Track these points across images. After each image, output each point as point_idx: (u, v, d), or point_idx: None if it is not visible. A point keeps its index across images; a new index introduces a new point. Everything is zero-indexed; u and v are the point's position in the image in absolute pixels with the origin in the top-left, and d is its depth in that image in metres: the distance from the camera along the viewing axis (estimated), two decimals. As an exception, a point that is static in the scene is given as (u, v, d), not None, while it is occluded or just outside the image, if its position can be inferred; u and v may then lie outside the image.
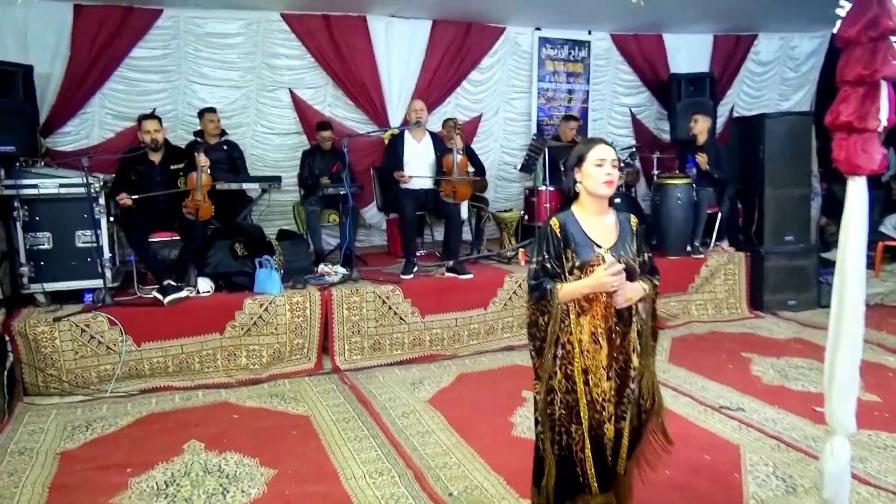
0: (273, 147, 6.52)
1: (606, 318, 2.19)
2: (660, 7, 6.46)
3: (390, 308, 4.99)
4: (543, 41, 7.24)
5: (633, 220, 2.30)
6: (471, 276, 5.37)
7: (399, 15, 6.44)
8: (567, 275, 2.19)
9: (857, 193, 2.16)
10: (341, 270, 5.33)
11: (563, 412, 2.21)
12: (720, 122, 7.61)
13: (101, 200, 4.63)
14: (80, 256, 4.63)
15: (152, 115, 4.93)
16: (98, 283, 4.57)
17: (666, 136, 7.68)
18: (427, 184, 5.51)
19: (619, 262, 2.13)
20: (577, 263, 2.18)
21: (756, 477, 3.10)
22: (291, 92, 6.38)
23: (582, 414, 2.18)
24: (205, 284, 4.84)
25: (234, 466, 3.28)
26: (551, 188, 6.11)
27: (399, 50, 6.58)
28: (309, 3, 5.98)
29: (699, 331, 5.70)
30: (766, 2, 6.36)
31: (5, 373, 4.06)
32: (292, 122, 6.49)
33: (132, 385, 4.38)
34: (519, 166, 6.61)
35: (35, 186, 4.51)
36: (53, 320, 4.24)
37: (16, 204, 4.46)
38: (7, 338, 4.18)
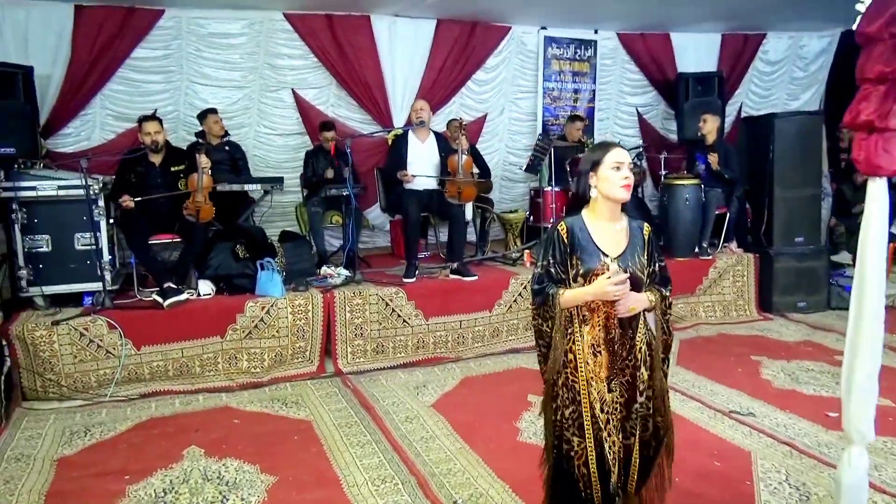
0: (275, 148, 6.47)
1: (608, 329, 2.13)
2: (667, 6, 6.40)
3: (393, 310, 4.93)
4: (549, 41, 7.16)
5: (647, 228, 2.23)
6: (475, 277, 5.30)
7: (403, 14, 6.37)
8: (571, 281, 2.14)
9: (877, 195, 2.07)
10: (344, 272, 5.27)
11: (567, 423, 2.14)
12: (728, 121, 7.53)
13: (101, 202, 4.58)
14: (80, 259, 4.59)
15: (153, 117, 4.90)
16: (97, 285, 4.53)
17: (673, 136, 7.60)
18: (431, 184, 5.45)
19: (625, 272, 2.08)
20: (581, 271, 2.12)
21: (769, 485, 3.03)
22: (294, 92, 6.32)
23: (586, 426, 2.12)
24: (206, 287, 4.79)
25: (233, 473, 3.22)
26: (557, 189, 6.04)
27: (403, 49, 6.51)
28: (312, 3, 5.92)
29: (707, 333, 5.63)
30: (775, 1, 6.28)
31: (3, 377, 4.00)
32: (295, 122, 6.43)
33: (132, 389, 4.33)
34: (524, 167, 6.54)
35: (33, 188, 4.47)
36: (52, 324, 4.20)
37: (14, 206, 4.41)
38: (5, 342, 4.13)
